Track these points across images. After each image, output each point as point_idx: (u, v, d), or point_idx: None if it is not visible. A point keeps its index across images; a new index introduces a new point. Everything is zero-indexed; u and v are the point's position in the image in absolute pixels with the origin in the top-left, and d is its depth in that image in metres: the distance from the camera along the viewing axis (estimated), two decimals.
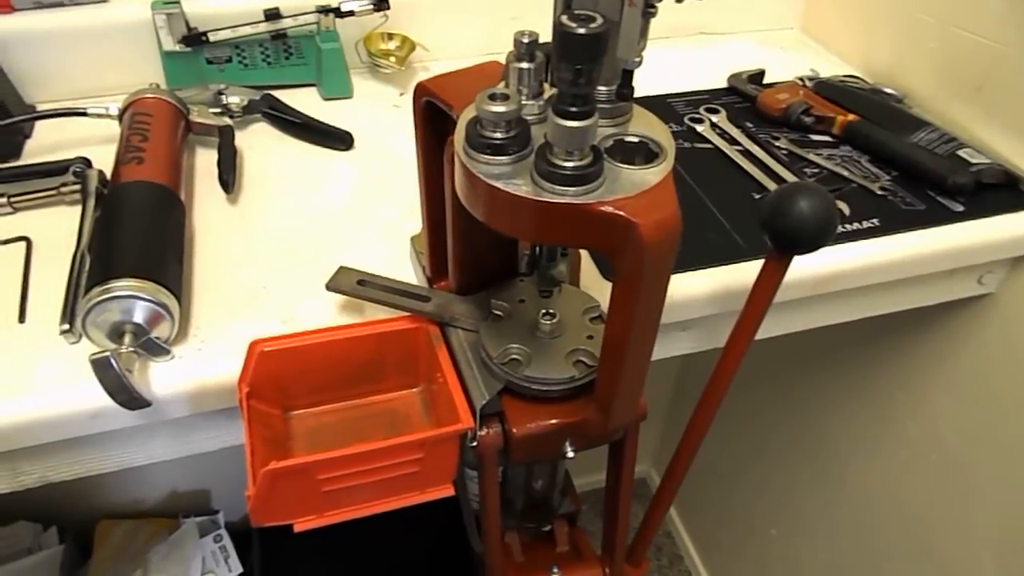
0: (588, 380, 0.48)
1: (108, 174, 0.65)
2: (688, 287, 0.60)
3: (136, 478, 1.27)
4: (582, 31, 0.31)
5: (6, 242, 0.62)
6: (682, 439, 0.57)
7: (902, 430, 0.93)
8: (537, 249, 0.56)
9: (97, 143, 0.72)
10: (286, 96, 0.79)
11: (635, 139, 0.40)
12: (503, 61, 0.45)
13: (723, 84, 0.88)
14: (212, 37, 0.77)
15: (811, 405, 1.09)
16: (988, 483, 0.83)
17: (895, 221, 0.68)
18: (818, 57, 0.96)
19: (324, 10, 0.78)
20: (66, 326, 0.53)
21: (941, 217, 0.69)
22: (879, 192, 0.71)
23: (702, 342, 0.67)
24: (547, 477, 0.61)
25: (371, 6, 0.79)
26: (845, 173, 0.74)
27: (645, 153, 0.39)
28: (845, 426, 1.03)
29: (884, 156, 0.75)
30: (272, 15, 0.77)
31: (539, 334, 0.50)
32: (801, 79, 0.87)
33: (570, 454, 0.49)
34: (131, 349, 0.49)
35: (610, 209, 0.35)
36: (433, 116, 0.47)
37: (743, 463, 1.29)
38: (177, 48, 0.77)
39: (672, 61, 0.94)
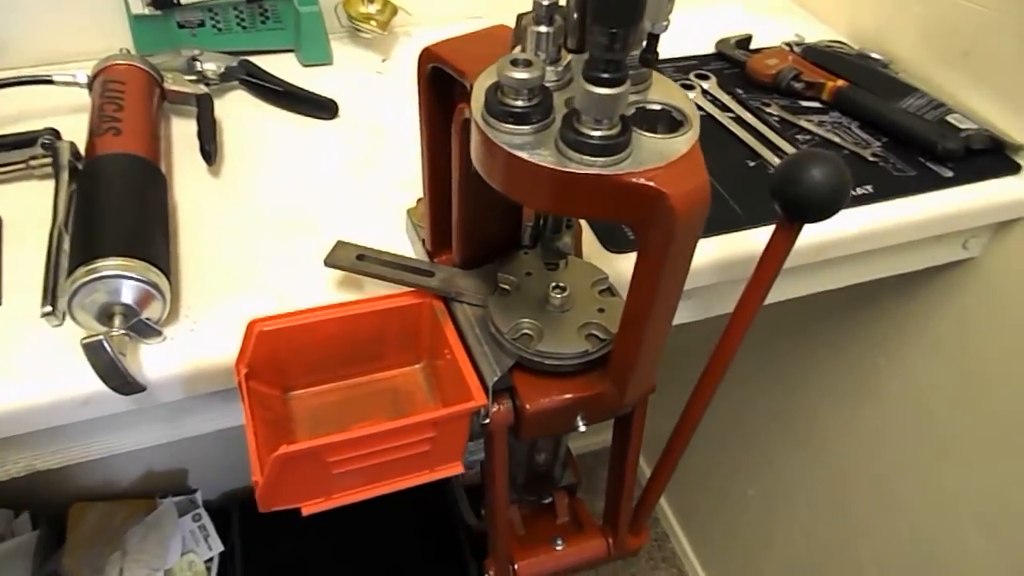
0: (601, 354, 0.47)
1: (81, 146, 0.62)
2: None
3: (109, 459, 1.23)
4: None
5: None
6: (689, 403, 0.56)
7: (883, 394, 0.95)
8: (541, 221, 0.55)
9: (65, 113, 0.67)
10: (262, 62, 0.76)
11: (657, 107, 0.38)
12: (509, 24, 0.43)
13: (711, 50, 0.87)
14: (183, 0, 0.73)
15: (792, 372, 1.11)
16: (968, 445, 0.85)
17: (888, 188, 0.68)
18: (803, 22, 0.95)
19: None
20: (48, 308, 0.50)
21: (932, 183, 0.69)
22: (871, 159, 0.71)
23: (700, 311, 0.67)
24: (550, 451, 0.60)
25: None
26: (837, 140, 0.74)
27: (668, 121, 0.38)
28: (826, 392, 1.05)
29: (874, 122, 0.76)
30: None
31: (549, 308, 0.49)
32: (788, 44, 0.86)
33: (582, 428, 0.49)
34: (122, 332, 0.47)
35: (641, 180, 0.34)
36: (439, 83, 0.45)
37: (724, 428, 1.31)
38: (146, 11, 0.72)
39: None
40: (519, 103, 0.36)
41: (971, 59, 0.76)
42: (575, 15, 0.39)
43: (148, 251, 0.50)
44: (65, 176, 0.60)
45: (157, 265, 0.50)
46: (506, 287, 0.50)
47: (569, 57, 0.39)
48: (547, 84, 0.38)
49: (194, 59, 0.72)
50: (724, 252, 0.61)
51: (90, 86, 0.65)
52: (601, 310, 0.49)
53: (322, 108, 0.71)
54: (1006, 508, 0.82)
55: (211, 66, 0.71)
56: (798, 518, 1.18)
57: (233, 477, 1.35)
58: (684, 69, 0.83)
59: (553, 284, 0.49)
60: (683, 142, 0.36)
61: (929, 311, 0.85)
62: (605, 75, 0.32)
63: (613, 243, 0.60)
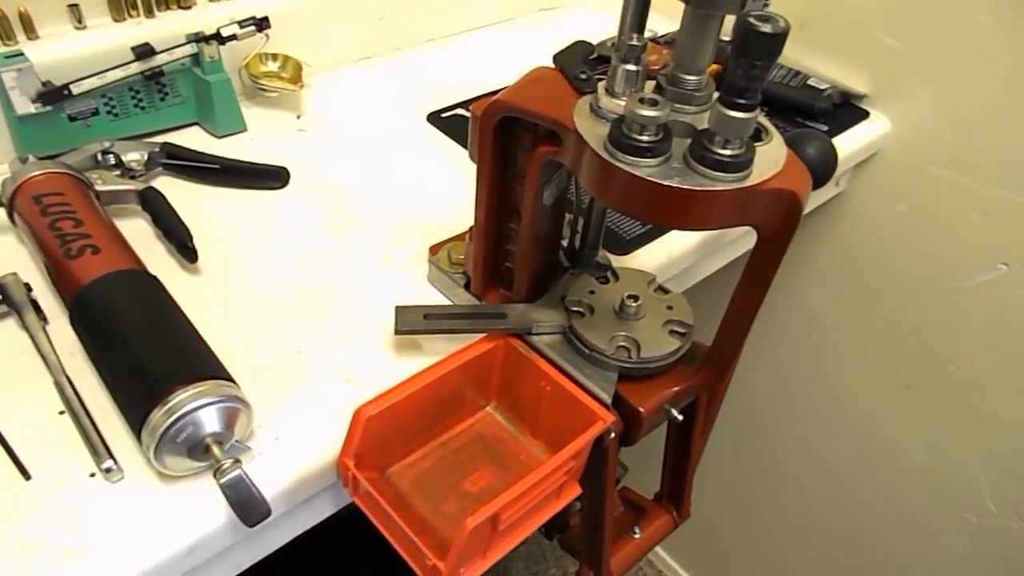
0: (688, 346, 0.51)
1: (24, 274, 0.54)
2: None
3: None
4: (767, 30, 0.34)
5: None
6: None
7: (782, 324, 1.10)
8: (576, 241, 0.58)
9: None
10: (172, 141, 0.69)
11: None
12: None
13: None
14: (75, 89, 0.64)
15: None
16: (867, 343, 1.02)
17: None
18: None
19: (202, 38, 0.69)
20: (109, 463, 0.44)
21: None
22: None
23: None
24: None
25: (253, 27, 0.71)
26: None
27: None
28: None
29: None
30: (144, 52, 0.66)
31: (626, 317, 0.52)
32: (652, 39, 0.96)
33: (679, 417, 0.53)
34: (230, 459, 0.43)
35: (775, 185, 0.39)
36: (501, 132, 0.46)
37: None
38: (33, 109, 0.63)
39: (527, 39, 0.98)
40: (646, 137, 0.39)
41: (807, 31, 0.91)
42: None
43: (211, 367, 0.46)
44: (31, 316, 0.51)
45: (227, 378, 0.46)
46: (579, 310, 0.53)
47: (650, 85, 0.43)
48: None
49: (106, 152, 0.64)
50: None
51: (9, 207, 0.56)
52: (670, 307, 0.53)
53: (271, 178, 0.67)
54: (907, 386, 1.00)
55: (133, 156, 0.64)
56: (724, 452, 1.32)
57: None
58: None
59: (627, 294, 0.52)
60: (777, 146, 0.42)
61: (815, 244, 1.01)
62: (744, 101, 0.37)
63: (615, 246, 0.65)
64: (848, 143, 0.84)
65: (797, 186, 0.40)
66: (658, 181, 0.38)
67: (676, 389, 0.51)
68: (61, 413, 0.48)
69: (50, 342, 0.51)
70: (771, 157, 0.40)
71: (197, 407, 0.43)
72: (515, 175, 0.49)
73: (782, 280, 1.08)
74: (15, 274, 0.54)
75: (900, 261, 0.93)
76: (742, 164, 0.39)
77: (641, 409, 0.50)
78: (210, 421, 0.43)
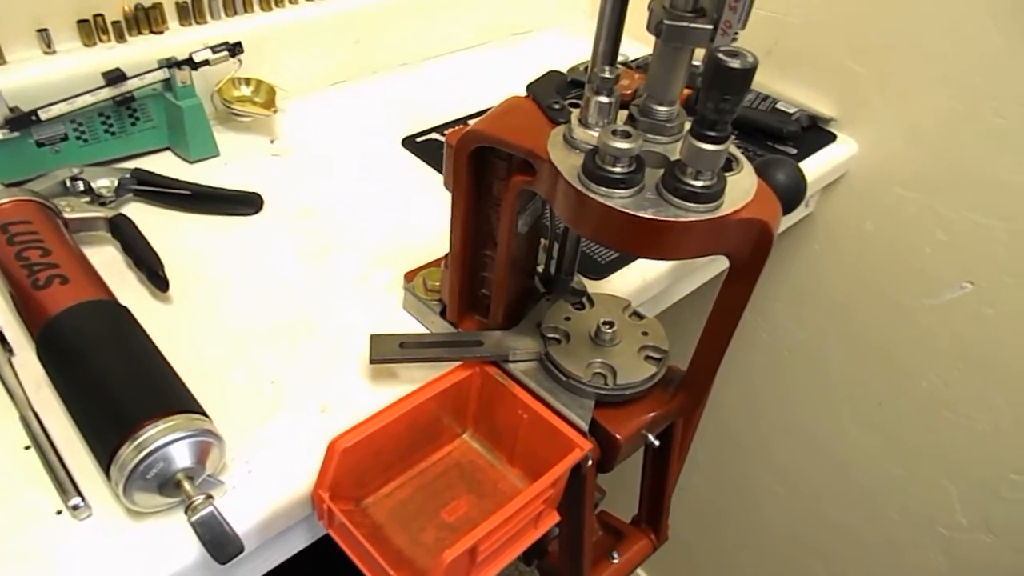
0: (664, 371, 0.52)
1: None
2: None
3: None
4: (738, 66, 0.35)
5: None
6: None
7: (756, 343, 1.12)
8: (552, 267, 0.58)
9: None
10: (142, 166, 0.68)
11: None
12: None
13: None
14: (44, 115, 0.63)
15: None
16: (836, 362, 1.03)
17: None
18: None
19: (174, 63, 0.68)
20: (76, 500, 0.43)
21: None
22: None
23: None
24: None
25: (225, 52, 0.71)
26: None
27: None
28: None
29: None
30: (115, 78, 0.66)
31: (601, 343, 0.52)
32: (624, 63, 0.97)
33: (655, 442, 0.53)
34: (202, 495, 0.42)
35: (746, 215, 0.40)
36: (476, 161, 0.47)
37: None
38: (0, 135, 0.62)
39: (501, 63, 0.99)
40: (619, 169, 0.39)
41: (774, 57, 0.93)
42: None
43: (182, 401, 0.45)
44: None
45: (198, 412, 0.45)
46: (555, 336, 0.53)
47: (622, 116, 0.44)
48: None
49: (75, 179, 0.63)
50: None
51: None
52: (645, 333, 0.54)
53: (244, 204, 0.67)
54: (879, 403, 1.01)
55: (103, 183, 0.63)
56: (699, 468, 1.33)
57: None
58: None
59: (602, 321, 0.52)
60: (747, 176, 0.42)
61: (785, 264, 1.02)
62: (713, 133, 0.37)
63: (590, 271, 0.65)
64: (816, 165, 0.85)
65: (768, 215, 0.40)
66: (632, 212, 0.39)
67: (652, 415, 0.51)
68: (27, 448, 0.47)
69: (16, 375, 0.50)
70: (742, 187, 0.41)
71: (168, 442, 0.42)
72: (490, 203, 0.49)
73: (753, 298, 1.10)
74: None
75: (868, 280, 0.95)
76: (714, 195, 0.39)
77: (618, 436, 0.50)
78: (181, 456, 0.43)
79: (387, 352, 0.51)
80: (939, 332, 0.91)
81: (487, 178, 0.48)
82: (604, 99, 0.42)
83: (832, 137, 0.89)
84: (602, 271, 0.65)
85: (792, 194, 0.56)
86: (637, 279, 0.66)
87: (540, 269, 0.58)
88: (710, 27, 0.39)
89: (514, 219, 0.48)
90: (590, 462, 0.49)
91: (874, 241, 0.93)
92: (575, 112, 0.43)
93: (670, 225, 0.39)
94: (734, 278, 0.43)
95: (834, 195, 0.94)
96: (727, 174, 0.42)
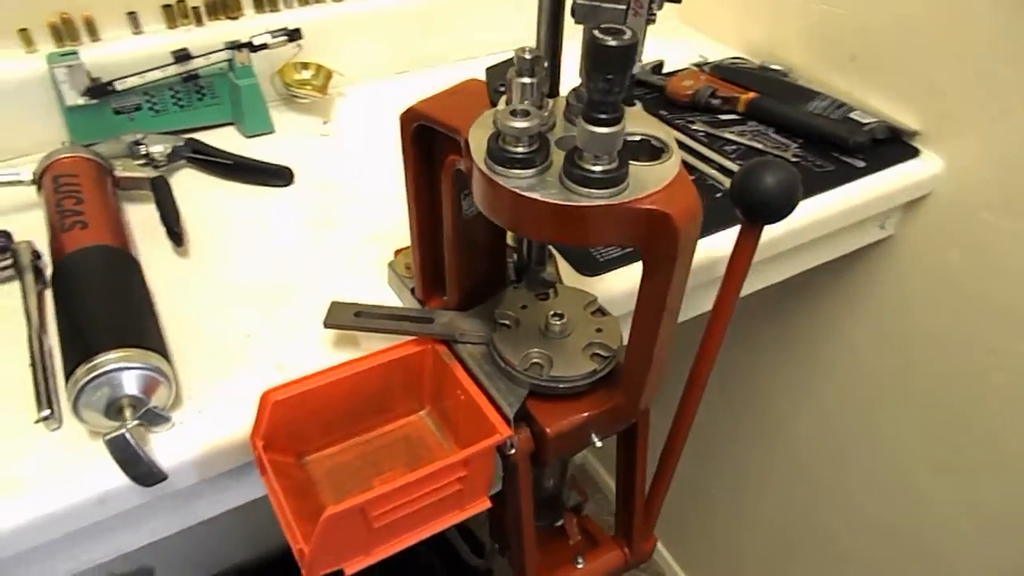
0: (608, 370, 0.50)
1: (38, 245, 0.61)
2: None
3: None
4: (615, 43, 0.33)
5: None
6: (682, 400, 0.59)
7: (831, 367, 1.03)
8: (525, 255, 0.58)
9: (10, 212, 0.66)
10: (205, 138, 0.76)
11: (638, 137, 0.42)
12: (471, 75, 0.47)
13: None
14: (119, 86, 0.72)
15: (741, 363, 1.18)
16: (914, 398, 0.93)
17: (812, 184, 0.75)
18: (701, 44, 1.03)
19: (236, 46, 0.75)
20: (46, 412, 0.49)
21: (848, 175, 0.77)
22: (792, 159, 0.78)
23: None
24: (558, 474, 0.62)
25: (285, 37, 0.77)
26: (759, 146, 0.81)
27: (649, 149, 0.42)
28: (777, 378, 1.12)
29: (788, 126, 0.83)
30: (182, 56, 0.74)
31: (551, 335, 0.52)
32: (697, 65, 0.93)
33: (598, 443, 0.51)
34: (136, 423, 0.46)
35: (646, 205, 0.38)
36: (422, 139, 0.48)
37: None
38: (81, 102, 0.71)
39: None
40: (520, 149, 0.39)
41: (859, 62, 0.85)
42: (545, 64, 0.43)
43: (144, 338, 0.50)
44: (30, 277, 0.58)
45: (156, 350, 0.49)
46: (506, 322, 0.53)
47: (551, 102, 0.43)
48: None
49: (137, 143, 0.71)
50: None
51: (38, 183, 0.64)
52: (599, 330, 0.52)
53: (276, 176, 0.72)
54: (956, 451, 0.90)
55: (157, 148, 0.71)
56: (768, 502, 1.24)
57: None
58: None
59: (551, 312, 0.51)
60: (670, 166, 0.40)
61: (863, 288, 0.93)
62: (603, 116, 0.36)
63: (586, 267, 0.64)
64: (886, 182, 0.77)
65: (675, 208, 0.38)
66: (522, 193, 0.38)
67: (588, 413, 0.49)
68: (31, 365, 0.54)
69: (39, 302, 0.57)
70: (657, 176, 0.39)
71: (116, 368, 0.47)
72: (438, 184, 0.50)
73: (827, 322, 1.01)
74: (29, 242, 0.61)
75: (956, 313, 0.84)
76: (612, 180, 0.37)
77: (548, 429, 0.49)
78: (129, 384, 0.47)
79: (341, 319, 0.53)
80: None
81: (436, 158, 0.49)
82: (526, 80, 0.41)
83: (915, 152, 0.80)
84: (598, 268, 0.64)
85: (781, 200, 0.52)
86: (636, 278, 0.63)
87: (515, 257, 0.58)
88: (623, 7, 0.38)
89: (456, 199, 0.48)
90: (513, 450, 0.49)
91: (961, 271, 0.82)
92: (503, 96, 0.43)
93: (561, 209, 0.38)
94: (647, 271, 0.41)
95: (917, 217, 0.84)
96: (652, 163, 0.40)
